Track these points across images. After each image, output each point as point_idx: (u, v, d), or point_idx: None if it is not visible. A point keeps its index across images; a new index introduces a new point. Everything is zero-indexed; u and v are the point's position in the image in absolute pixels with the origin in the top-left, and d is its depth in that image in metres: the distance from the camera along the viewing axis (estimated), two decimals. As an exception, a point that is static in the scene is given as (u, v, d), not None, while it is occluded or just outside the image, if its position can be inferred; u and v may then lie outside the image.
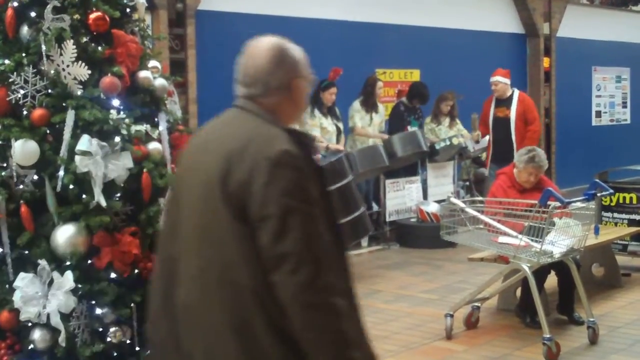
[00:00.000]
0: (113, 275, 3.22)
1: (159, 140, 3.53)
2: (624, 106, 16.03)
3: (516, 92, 9.78)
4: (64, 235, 3.21)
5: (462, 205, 6.06)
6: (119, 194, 3.31)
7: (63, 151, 3.26)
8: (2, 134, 3.31)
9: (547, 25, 14.06)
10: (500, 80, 9.70)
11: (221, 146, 2.30)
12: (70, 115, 3.29)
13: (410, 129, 9.90)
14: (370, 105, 9.68)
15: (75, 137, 3.26)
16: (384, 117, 10.10)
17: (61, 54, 3.35)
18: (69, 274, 3.13)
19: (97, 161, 3.21)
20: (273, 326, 2.20)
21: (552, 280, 6.26)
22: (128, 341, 3.19)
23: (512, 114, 9.62)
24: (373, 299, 7.19)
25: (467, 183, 10.62)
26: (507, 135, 9.61)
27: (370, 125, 9.74)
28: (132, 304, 3.19)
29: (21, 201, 3.25)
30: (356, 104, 9.62)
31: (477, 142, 10.06)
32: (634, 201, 7.73)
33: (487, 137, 9.91)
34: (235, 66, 2.49)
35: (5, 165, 3.31)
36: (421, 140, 9.62)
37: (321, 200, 2.28)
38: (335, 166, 7.88)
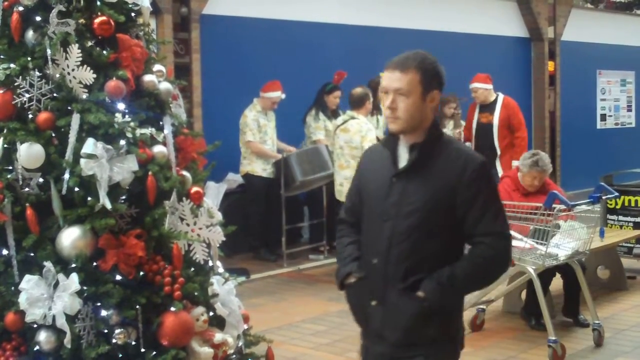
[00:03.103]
0: (118, 277, 3.23)
1: (164, 144, 3.54)
2: (629, 109, 16.02)
3: (500, 97, 9.43)
4: (70, 237, 3.22)
5: (466, 208, 6.06)
6: (124, 197, 3.31)
7: (68, 154, 3.28)
8: (8, 137, 3.32)
9: (551, 29, 14.07)
10: (479, 87, 9.38)
11: None
12: (75, 119, 3.31)
13: None
14: (375, 108, 9.70)
15: (80, 141, 3.27)
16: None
17: (66, 58, 3.36)
18: (74, 276, 3.14)
19: (102, 164, 3.22)
20: None
21: (557, 282, 6.27)
22: (133, 343, 3.20)
23: (495, 119, 9.29)
24: (378, 302, 7.19)
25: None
26: (490, 141, 9.29)
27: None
28: (138, 306, 3.20)
29: (27, 204, 3.26)
30: None
31: (460, 140, 9.97)
32: (639, 204, 7.72)
33: (468, 144, 9.75)
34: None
35: (10, 168, 3.33)
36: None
37: None
38: None
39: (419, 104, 2.96)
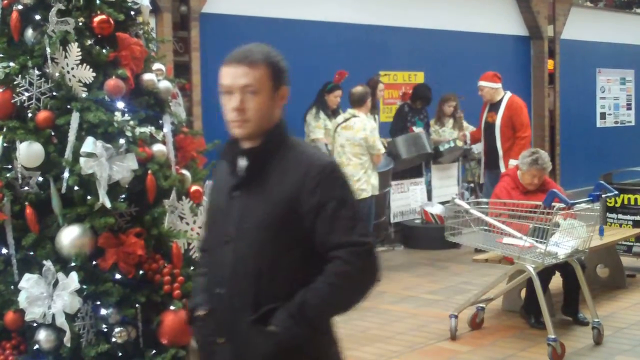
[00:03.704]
0: (118, 276, 3.24)
1: (164, 142, 3.55)
2: (629, 108, 16.02)
3: (507, 96, 9.22)
4: (69, 236, 3.23)
5: (466, 206, 6.06)
6: (123, 196, 3.32)
7: (68, 153, 3.28)
8: (8, 136, 3.33)
9: (551, 27, 14.06)
10: (484, 85, 9.19)
11: None
12: (75, 118, 3.31)
13: (415, 129, 9.90)
14: (372, 107, 9.68)
15: (80, 139, 3.28)
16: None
17: (66, 57, 3.37)
18: (74, 275, 3.14)
19: (102, 163, 3.23)
20: None
21: (556, 281, 6.26)
22: (133, 341, 3.21)
23: (498, 119, 9.10)
24: (378, 300, 7.19)
25: (472, 185, 10.61)
26: (493, 141, 9.17)
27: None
28: (137, 305, 3.21)
29: (26, 203, 3.28)
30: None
31: (465, 143, 9.97)
32: (639, 202, 7.72)
33: (479, 144, 9.69)
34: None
35: (10, 167, 3.34)
36: (425, 142, 9.62)
37: None
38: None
39: (269, 102, 2.50)
